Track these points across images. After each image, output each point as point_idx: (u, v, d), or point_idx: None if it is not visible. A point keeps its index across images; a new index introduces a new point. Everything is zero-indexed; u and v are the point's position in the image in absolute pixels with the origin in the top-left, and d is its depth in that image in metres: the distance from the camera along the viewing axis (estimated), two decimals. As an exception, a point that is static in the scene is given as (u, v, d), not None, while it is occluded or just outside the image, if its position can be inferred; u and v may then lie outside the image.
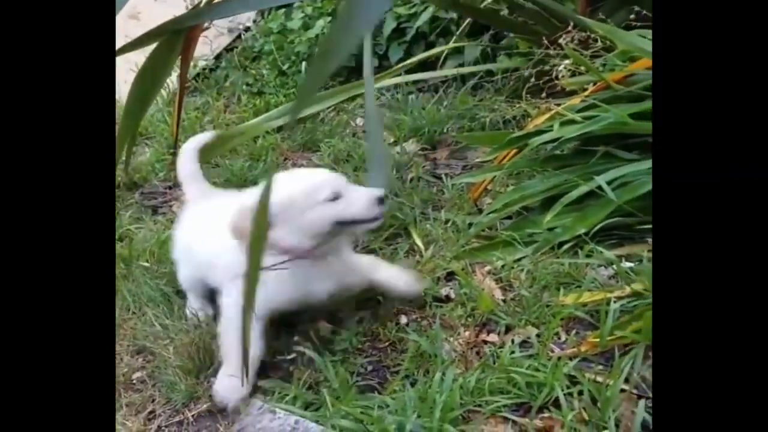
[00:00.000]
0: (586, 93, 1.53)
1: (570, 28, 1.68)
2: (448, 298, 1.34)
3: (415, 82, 2.30)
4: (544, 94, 1.63)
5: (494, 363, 1.14)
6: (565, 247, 1.38)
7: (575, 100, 1.53)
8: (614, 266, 1.30)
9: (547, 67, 1.67)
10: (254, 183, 1.85)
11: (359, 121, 2.26)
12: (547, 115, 1.53)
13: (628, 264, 1.30)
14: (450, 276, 1.41)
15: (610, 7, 1.77)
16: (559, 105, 1.56)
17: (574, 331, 1.20)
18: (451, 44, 2.28)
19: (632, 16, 1.66)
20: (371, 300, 1.34)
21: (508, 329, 1.24)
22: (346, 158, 1.99)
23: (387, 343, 1.27)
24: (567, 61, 1.56)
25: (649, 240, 1.33)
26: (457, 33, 2.32)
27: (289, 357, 1.27)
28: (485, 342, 1.22)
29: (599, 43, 1.60)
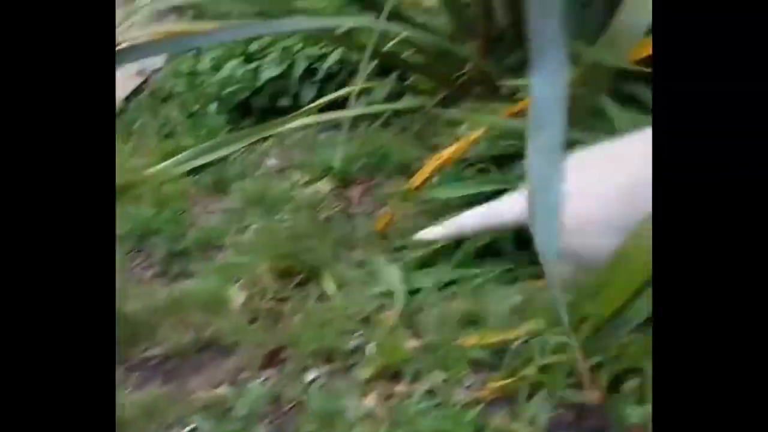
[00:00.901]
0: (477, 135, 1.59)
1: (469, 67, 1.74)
2: (357, 349, 1.34)
3: (327, 121, 2.32)
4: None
5: (401, 417, 1.15)
6: (474, 284, 1.41)
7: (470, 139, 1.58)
8: (512, 303, 1.33)
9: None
10: (158, 232, 1.83)
11: (272, 161, 2.26)
12: (436, 164, 1.58)
13: (518, 298, 1.33)
14: (363, 321, 1.40)
15: (507, 47, 1.83)
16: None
17: (479, 375, 1.22)
18: (360, 84, 2.31)
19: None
20: (276, 357, 1.33)
21: (417, 377, 1.25)
22: (258, 200, 1.98)
23: (291, 405, 1.25)
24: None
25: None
26: (366, 73, 2.36)
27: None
28: (392, 395, 1.22)
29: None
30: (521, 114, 1.56)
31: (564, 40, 1.18)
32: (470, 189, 1.57)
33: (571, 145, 1.46)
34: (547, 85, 1.19)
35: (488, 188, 1.54)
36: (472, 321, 1.33)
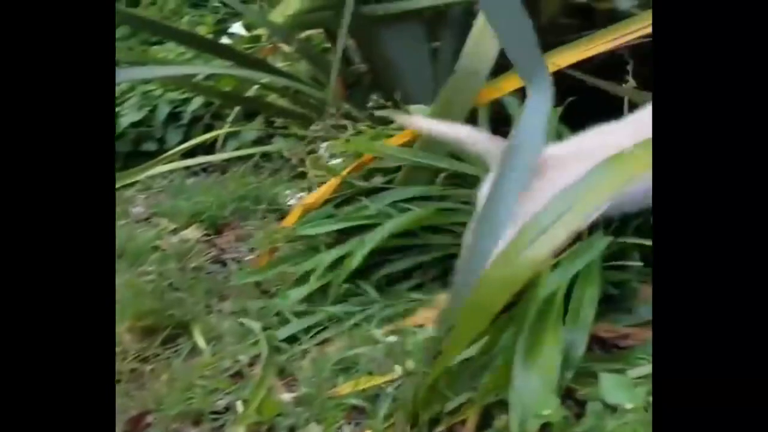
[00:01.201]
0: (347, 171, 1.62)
1: (333, 111, 1.76)
2: (227, 409, 1.30)
3: (194, 165, 2.29)
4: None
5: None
6: (349, 325, 1.41)
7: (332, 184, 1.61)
8: (386, 344, 1.33)
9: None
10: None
11: (138, 209, 2.19)
12: (308, 202, 1.60)
13: (393, 338, 1.33)
14: (236, 376, 1.37)
15: (364, 91, 1.88)
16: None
17: (354, 423, 1.22)
18: (227, 128, 2.30)
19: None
20: (140, 422, 1.28)
21: (292, 431, 1.23)
22: (120, 252, 1.90)
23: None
24: (324, 144, 1.65)
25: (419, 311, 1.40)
26: (232, 116, 2.35)
27: None
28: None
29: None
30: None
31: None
32: (340, 224, 1.57)
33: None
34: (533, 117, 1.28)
35: (358, 222, 1.55)
36: (346, 368, 1.33)
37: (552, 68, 1.38)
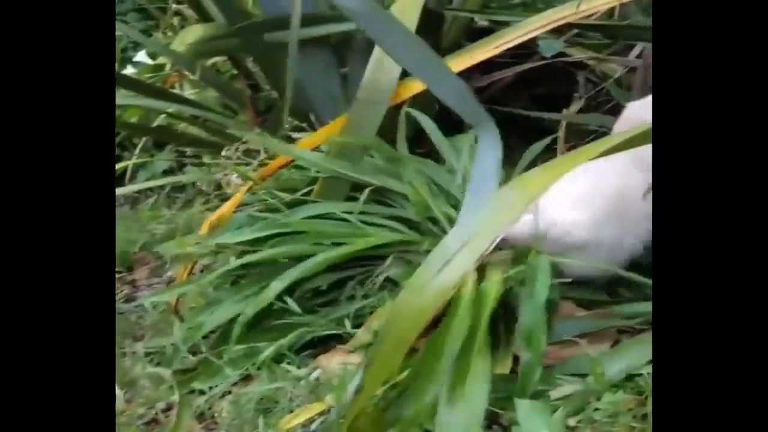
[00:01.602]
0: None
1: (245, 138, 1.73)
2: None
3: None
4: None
5: None
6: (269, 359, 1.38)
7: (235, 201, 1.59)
8: (310, 379, 1.32)
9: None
10: None
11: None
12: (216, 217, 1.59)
13: (316, 375, 1.32)
14: (151, 423, 1.33)
15: (277, 117, 1.86)
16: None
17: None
18: (135, 159, 2.24)
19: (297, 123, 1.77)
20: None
21: (209, 478, 1.20)
22: None
23: None
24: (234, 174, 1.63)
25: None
26: (140, 146, 2.29)
27: None
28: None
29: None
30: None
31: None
32: (255, 233, 1.53)
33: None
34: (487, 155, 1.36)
35: (274, 231, 1.52)
36: (268, 408, 1.30)
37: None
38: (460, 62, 1.61)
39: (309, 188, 1.62)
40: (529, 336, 1.11)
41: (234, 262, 1.49)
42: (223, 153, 1.73)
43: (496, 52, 1.57)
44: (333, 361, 1.35)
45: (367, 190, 1.55)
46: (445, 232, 1.43)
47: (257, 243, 1.51)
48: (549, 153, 1.69)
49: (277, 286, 1.41)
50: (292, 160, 1.65)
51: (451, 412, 1.03)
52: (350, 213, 1.52)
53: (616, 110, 1.92)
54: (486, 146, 1.40)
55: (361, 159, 1.59)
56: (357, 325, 1.38)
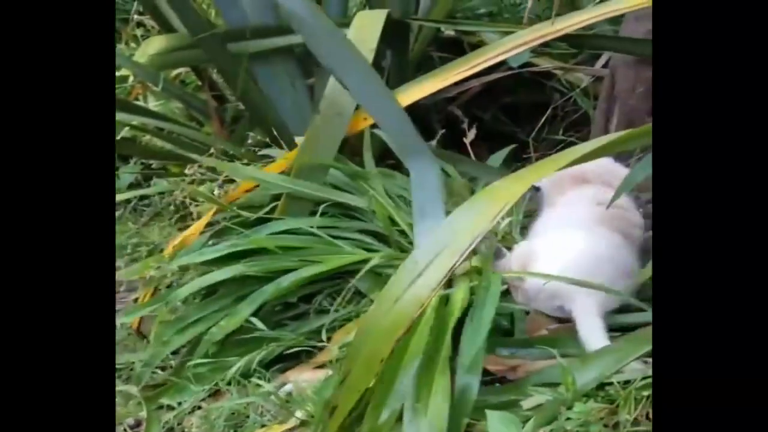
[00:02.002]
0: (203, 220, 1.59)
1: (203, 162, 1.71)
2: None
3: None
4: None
5: None
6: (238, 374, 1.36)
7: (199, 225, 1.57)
8: (282, 393, 1.30)
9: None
10: None
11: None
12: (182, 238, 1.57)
13: (287, 389, 1.30)
14: (118, 440, 1.31)
15: (242, 129, 1.85)
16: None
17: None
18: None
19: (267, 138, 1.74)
20: None
21: (179, 496, 1.18)
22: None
23: None
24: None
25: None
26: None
27: None
28: None
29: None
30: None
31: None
32: (215, 253, 1.52)
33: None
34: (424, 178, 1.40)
35: (234, 250, 1.50)
36: (239, 423, 1.29)
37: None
38: (436, 82, 1.62)
39: (273, 204, 1.60)
40: (468, 362, 1.09)
41: (203, 282, 1.47)
42: (187, 170, 1.71)
43: (473, 71, 1.58)
44: (302, 377, 1.34)
45: (322, 206, 1.54)
46: (411, 243, 1.44)
47: (224, 260, 1.50)
48: (521, 163, 1.71)
49: (246, 308, 1.40)
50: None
51: (416, 426, 1.02)
52: (320, 228, 1.51)
53: (583, 119, 1.94)
54: (423, 175, 1.43)
55: (324, 177, 1.58)
56: (326, 339, 1.37)
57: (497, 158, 1.71)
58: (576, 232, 1.33)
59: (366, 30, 1.65)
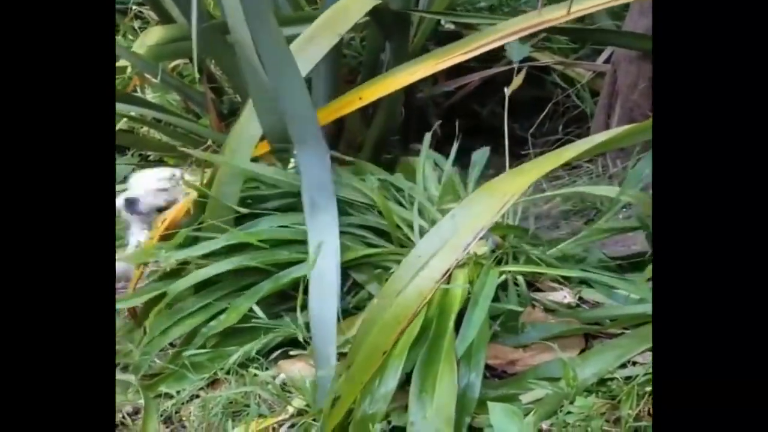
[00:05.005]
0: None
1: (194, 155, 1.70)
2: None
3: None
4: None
5: None
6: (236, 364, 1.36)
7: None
8: (277, 383, 1.30)
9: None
10: None
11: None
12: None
13: (281, 379, 1.30)
14: (119, 426, 1.30)
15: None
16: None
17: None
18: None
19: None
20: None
21: (179, 483, 1.18)
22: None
23: None
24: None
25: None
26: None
27: None
28: None
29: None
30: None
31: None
32: (203, 250, 1.50)
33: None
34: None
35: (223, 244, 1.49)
36: (237, 411, 1.29)
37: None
38: (427, 67, 1.58)
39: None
40: (468, 354, 1.10)
41: (202, 274, 1.46)
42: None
43: (465, 57, 1.55)
44: (295, 367, 1.33)
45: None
46: (408, 238, 1.44)
47: (223, 252, 1.49)
48: (520, 159, 1.70)
49: (245, 302, 1.39)
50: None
51: (422, 414, 1.03)
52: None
53: (583, 115, 1.94)
54: (312, 158, 1.40)
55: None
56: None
57: (482, 155, 1.69)
58: None
59: (342, 13, 1.58)
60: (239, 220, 1.53)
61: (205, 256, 1.49)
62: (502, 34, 1.53)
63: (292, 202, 1.52)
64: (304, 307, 1.38)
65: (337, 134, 1.64)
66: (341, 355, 1.20)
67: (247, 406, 1.28)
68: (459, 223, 1.04)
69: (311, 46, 1.54)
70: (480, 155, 1.64)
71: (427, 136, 1.65)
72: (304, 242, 1.41)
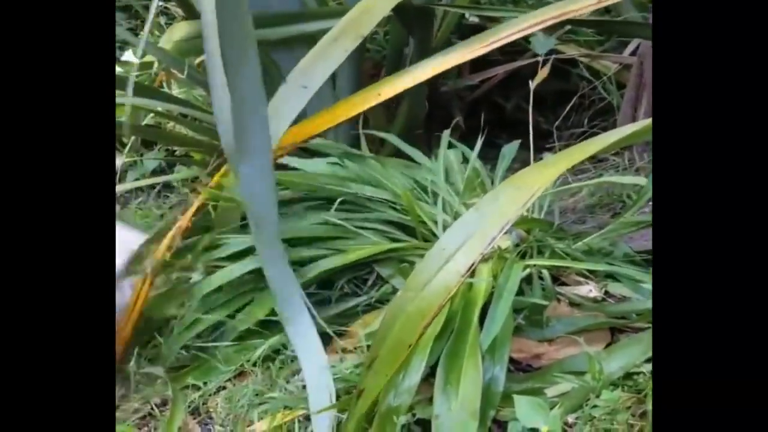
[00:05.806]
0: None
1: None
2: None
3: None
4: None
5: None
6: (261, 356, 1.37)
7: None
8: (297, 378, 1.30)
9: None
10: None
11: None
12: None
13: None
14: (147, 417, 1.32)
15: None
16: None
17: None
18: (124, 158, 2.21)
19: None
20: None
21: (207, 476, 1.19)
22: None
23: None
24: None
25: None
26: (129, 146, 2.27)
27: None
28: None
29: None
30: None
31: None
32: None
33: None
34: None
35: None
36: (263, 402, 1.30)
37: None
38: (451, 59, 1.57)
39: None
40: (492, 348, 1.10)
41: (227, 274, 1.47)
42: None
43: (488, 49, 1.53)
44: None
45: (339, 199, 1.53)
46: (431, 232, 1.43)
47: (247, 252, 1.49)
48: (545, 153, 1.69)
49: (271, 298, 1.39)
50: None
51: (447, 407, 1.03)
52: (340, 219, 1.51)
53: (609, 108, 1.92)
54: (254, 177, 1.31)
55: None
56: (347, 324, 1.38)
57: (512, 150, 1.68)
58: None
59: (365, 13, 1.54)
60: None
61: (228, 258, 1.51)
62: (525, 25, 1.51)
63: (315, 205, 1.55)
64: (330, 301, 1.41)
65: (364, 127, 1.64)
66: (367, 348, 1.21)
67: (273, 398, 1.30)
68: (484, 216, 1.04)
69: (335, 48, 1.53)
70: (510, 149, 1.64)
71: (446, 132, 1.65)
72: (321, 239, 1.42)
